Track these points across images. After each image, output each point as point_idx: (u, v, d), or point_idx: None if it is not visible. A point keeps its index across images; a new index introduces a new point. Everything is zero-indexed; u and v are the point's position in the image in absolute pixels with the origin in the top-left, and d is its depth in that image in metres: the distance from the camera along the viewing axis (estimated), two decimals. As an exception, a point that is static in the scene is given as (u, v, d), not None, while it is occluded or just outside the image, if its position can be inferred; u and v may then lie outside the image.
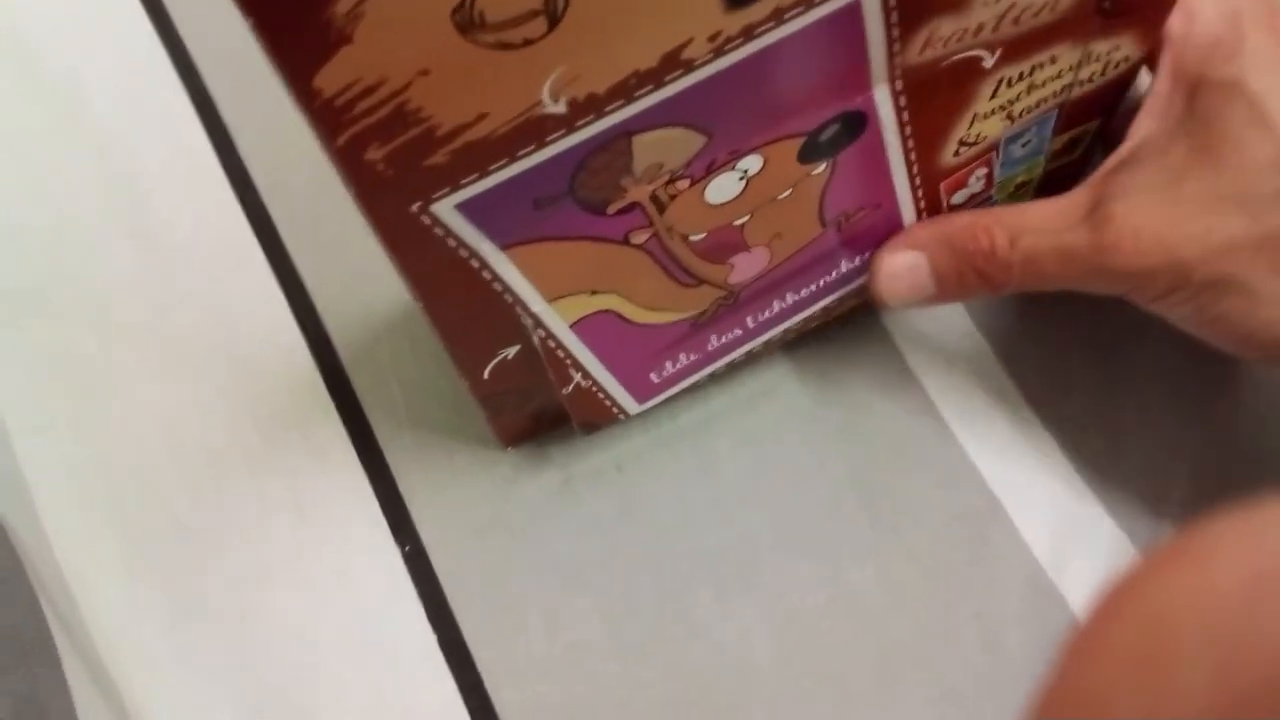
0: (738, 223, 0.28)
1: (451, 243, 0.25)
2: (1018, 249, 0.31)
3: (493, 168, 0.23)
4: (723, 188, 0.27)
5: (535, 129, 0.22)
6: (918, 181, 0.31)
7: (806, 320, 0.35)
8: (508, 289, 0.27)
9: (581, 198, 0.25)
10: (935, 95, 0.28)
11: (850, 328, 0.38)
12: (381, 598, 0.35)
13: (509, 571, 0.36)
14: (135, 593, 0.35)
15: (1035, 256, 0.30)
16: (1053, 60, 0.29)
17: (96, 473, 0.37)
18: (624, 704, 0.34)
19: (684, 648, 0.35)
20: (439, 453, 0.37)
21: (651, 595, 0.35)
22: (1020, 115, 0.30)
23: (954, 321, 0.38)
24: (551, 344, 0.30)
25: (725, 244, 0.29)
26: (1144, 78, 0.32)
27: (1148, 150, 0.30)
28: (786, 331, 0.35)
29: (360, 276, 0.38)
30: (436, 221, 0.24)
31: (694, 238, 0.28)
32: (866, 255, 0.33)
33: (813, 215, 0.30)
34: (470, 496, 0.37)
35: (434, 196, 0.23)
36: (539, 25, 0.20)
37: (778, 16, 0.22)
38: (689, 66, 0.22)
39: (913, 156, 0.29)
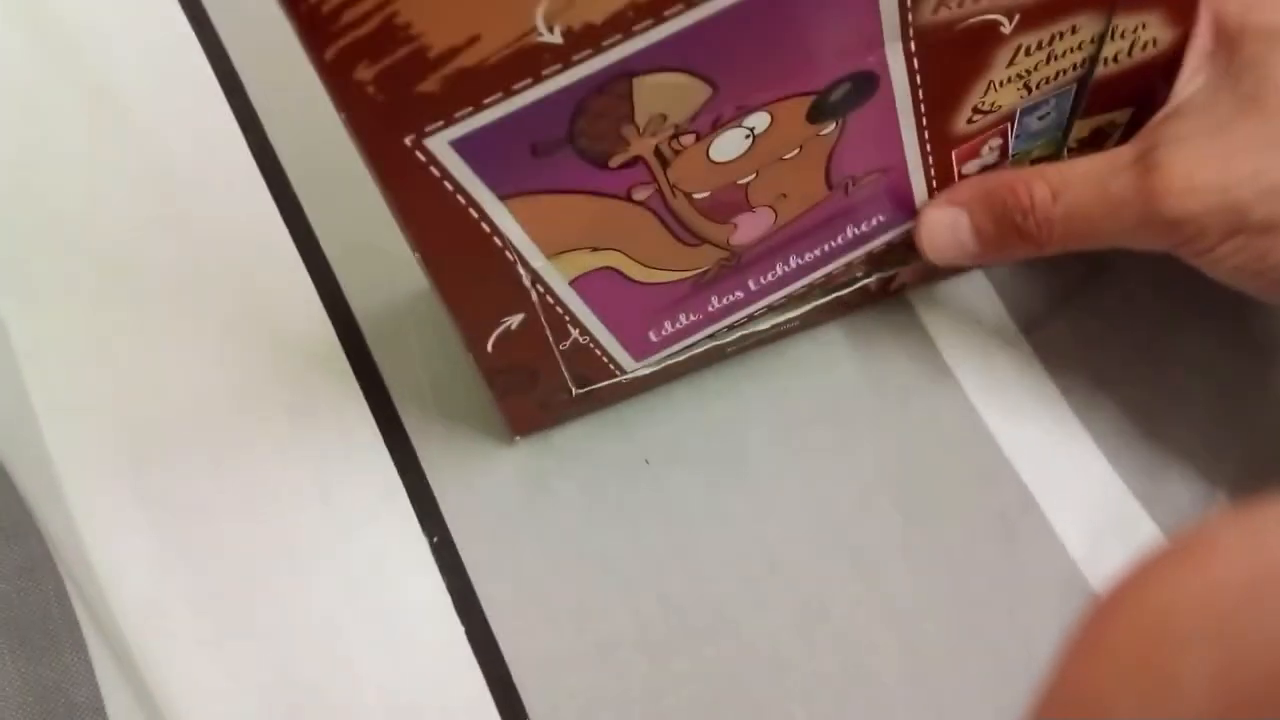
0: (742, 181, 0.28)
1: (449, 186, 0.24)
2: (1061, 203, 0.30)
3: (487, 101, 0.23)
4: (728, 145, 0.27)
5: (530, 60, 0.22)
6: (929, 148, 0.30)
7: (810, 286, 0.34)
8: (508, 244, 0.27)
9: (582, 147, 0.25)
10: (950, 59, 0.27)
11: (885, 321, 0.37)
12: (408, 588, 0.35)
13: (537, 564, 0.35)
14: (161, 579, 0.35)
15: (1080, 209, 0.30)
16: (1073, 30, 0.28)
17: (125, 458, 0.37)
18: (653, 698, 0.33)
19: (714, 643, 0.34)
20: (467, 443, 0.37)
21: (681, 589, 0.35)
22: (1038, 86, 0.30)
23: (991, 314, 0.38)
24: (550, 300, 0.29)
25: (729, 203, 0.28)
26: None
27: (1193, 103, 0.29)
28: (790, 296, 0.34)
29: (388, 265, 0.38)
30: (432, 160, 0.24)
31: (698, 196, 0.28)
32: (873, 221, 0.32)
33: (819, 177, 0.29)
34: (499, 488, 0.36)
35: (428, 129, 0.23)
36: (530, -59, 0.20)
37: (783, -51, 0.22)
38: (689, 1, 0.22)
39: (924, 121, 0.29)
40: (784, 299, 0.34)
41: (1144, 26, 0.29)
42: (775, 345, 0.37)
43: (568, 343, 0.31)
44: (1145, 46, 0.30)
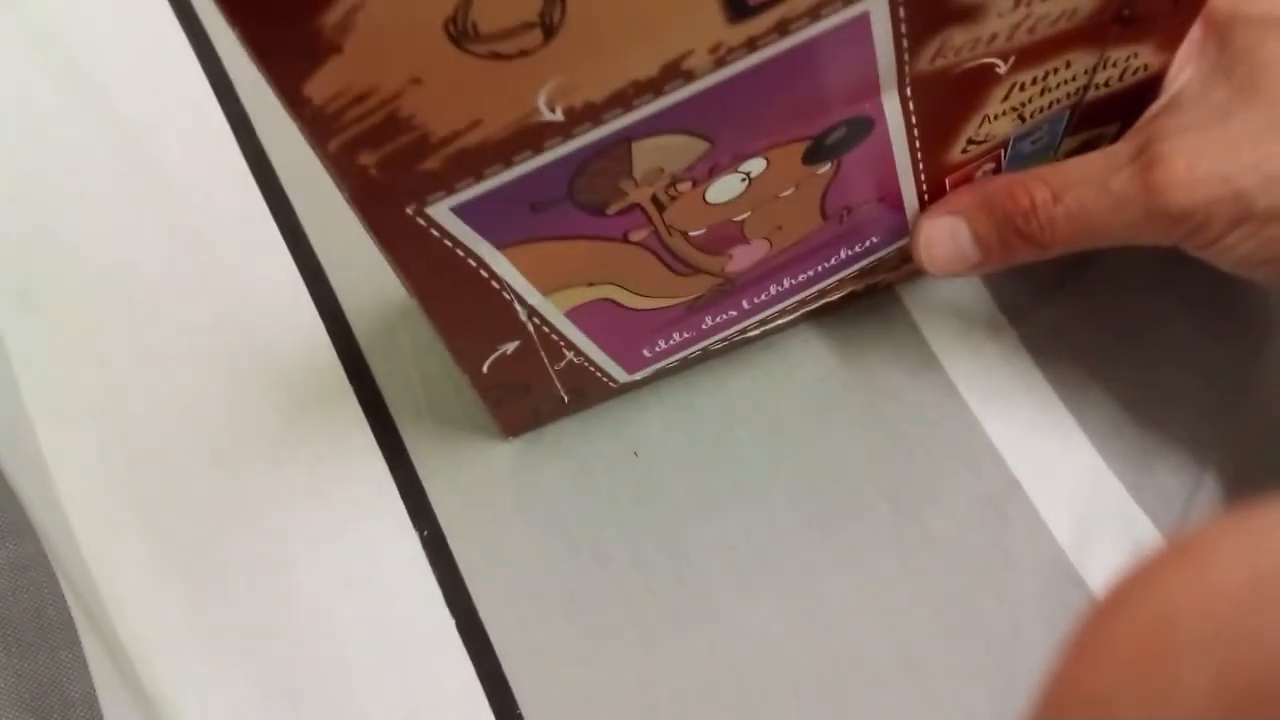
0: (738, 219, 0.28)
1: (448, 243, 0.25)
2: (1062, 204, 0.29)
3: (488, 172, 0.23)
4: (725, 189, 0.27)
5: (532, 136, 0.22)
6: (923, 178, 0.30)
7: (802, 302, 0.34)
8: (505, 286, 0.27)
9: (581, 201, 0.25)
10: (946, 100, 0.27)
11: (871, 311, 0.38)
12: (400, 582, 0.36)
13: (527, 556, 0.36)
14: (156, 577, 0.35)
15: (1082, 208, 0.29)
16: (1067, 65, 0.28)
17: (119, 458, 0.37)
18: (644, 689, 0.34)
19: (705, 633, 0.35)
20: (457, 438, 0.37)
21: (671, 581, 0.35)
22: (1032, 116, 0.30)
23: (978, 304, 0.38)
24: (546, 330, 0.29)
25: (724, 237, 0.29)
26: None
27: (1187, 95, 0.29)
28: (782, 311, 0.34)
29: (380, 265, 0.38)
30: (432, 223, 0.24)
31: (693, 233, 0.28)
32: (866, 242, 0.32)
33: (814, 210, 0.29)
34: (488, 482, 0.37)
35: (429, 199, 0.23)
36: (534, 36, 0.20)
37: (782, 28, 0.22)
38: (690, 77, 0.22)
39: (919, 156, 0.29)
40: (776, 314, 0.34)
41: (1135, 55, 0.29)
42: (763, 340, 0.37)
43: (562, 363, 0.32)
44: (1136, 71, 0.30)
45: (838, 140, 0.27)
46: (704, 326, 0.33)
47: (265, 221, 0.40)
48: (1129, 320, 0.37)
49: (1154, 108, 0.30)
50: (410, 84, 0.20)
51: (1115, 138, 0.33)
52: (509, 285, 0.27)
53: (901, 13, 0.23)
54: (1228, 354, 0.37)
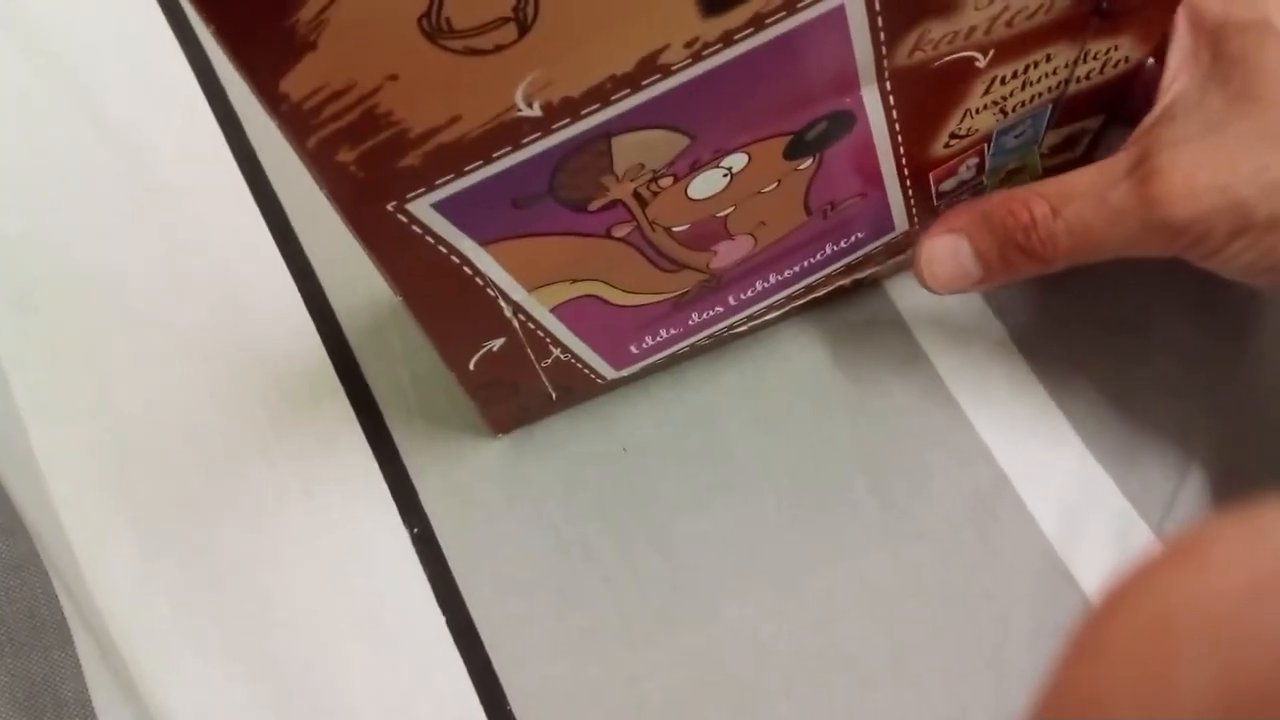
0: (721, 214, 0.28)
1: (430, 240, 0.25)
2: (1062, 218, 0.29)
3: (468, 168, 0.23)
4: (706, 184, 0.27)
5: (510, 131, 0.22)
6: (906, 173, 0.30)
7: (789, 298, 0.34)
8: (489, 282, 0.27)
9: (562, 197, 0.25)
10: (926, 94, 0.27)
11: (859, 306, 0.38)
12: (390, 579, 0.36)
13: (517, 554, 0.36)
14: (148, 577, 0.36)
15: (1082, 222, 0.29)
16: (1048, 58, 0.28)
17: (110, 458, 0.37)
18: (635, 685, 0.34)
19: (695, 629, 0.35)
20: (447, 436, 0.37)
21: (661, 576, 0.35)
22: (1014, 110, 0.30)
23: (966, 299, 0.38)
24: (531, 326, 0.30)
25: (708, 233, 0.29)
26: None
27: (1182, 105, 0.29)
28: (770, 307, 0.34)
29: (369, 264, 0.38)
30: (414, 220, 0.24)
31: (677, 229, 0.28)
32: (851, 238, 0.32)
33: (798, 205, 0.29)
34: (478, 479, 0.37)
35: (409, 196, 0.23)
36: (509, 32, 0.20)
37: (757, 22, 0.22)
38: (666, 71, 0.22)
39: (902, 151, 0.29)
40: (764, 309, 0.34)
41: (1116, 48, 0.29)
42: (752, 334, 0.38)
43: (549, 360, 0.32)
44: (1117, 64, 0.30)
45: (819, 135, 0.27)
46: (691, 323, 0.33)
47: (256, 221, 0.40)
48: (1116, 315, 0.38)
49: (1149, 118, 0.29)
50: (387, 80, 0.20)
51: (1099, 130, 0.33)
52: (493, 282, 0.27)
53: (878, 6, 0.23)
54: (1214, 349, 0.37)
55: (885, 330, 0.38)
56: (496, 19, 0.19)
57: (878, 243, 0.33)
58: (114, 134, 0.41)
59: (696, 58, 0.22)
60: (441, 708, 0.34)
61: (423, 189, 0.23)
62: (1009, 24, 0.26)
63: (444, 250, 0.25)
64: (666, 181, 0.26)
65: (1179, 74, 0.29)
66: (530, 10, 0.19)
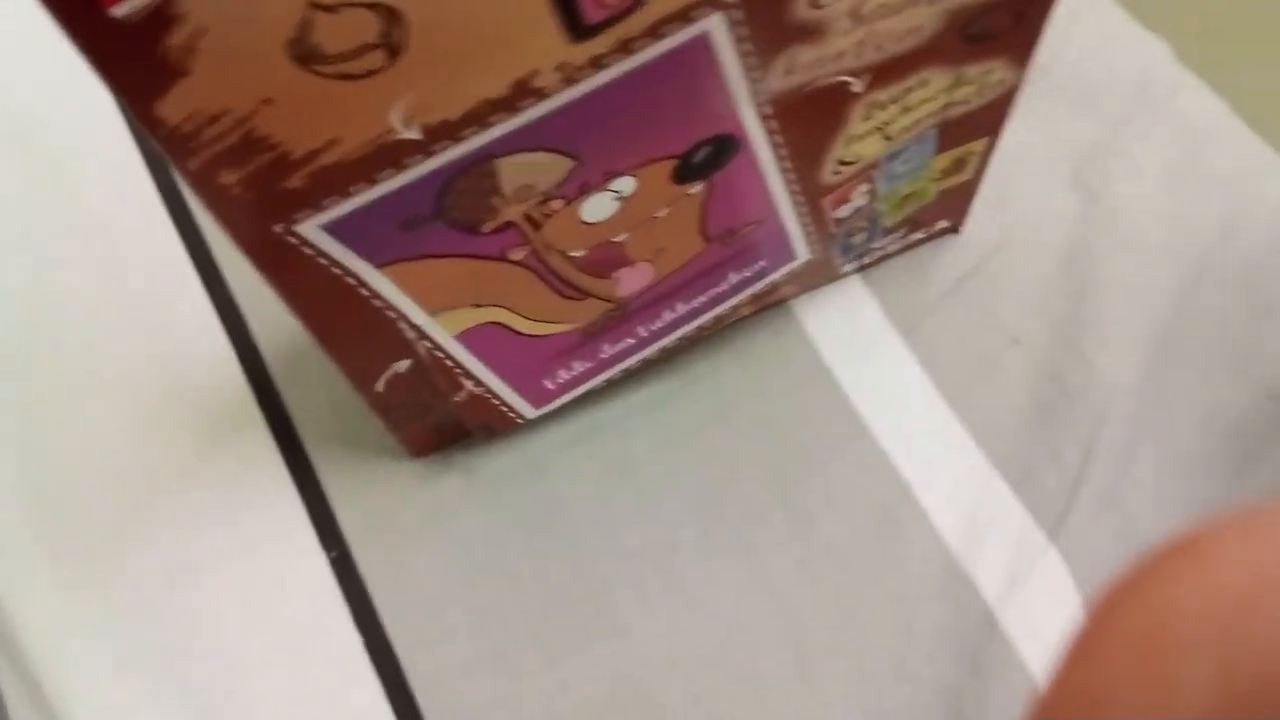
0: (617, 239, 0.29)
1: (323, 261, 0.25)
2: None
3: (353, 190, 0.24)
4: (598, 207, 0.28)
5: (390, 153, 0.23)
6: (800, 199, 0.31)
7: (699, 329, 0.35)
8: (388, 305, 0.28)
9: (453, 219, 0.26)
10: (808, 119, 0.28)
11: (766, 324, 0.39)
12: (309, 602, 0.36)
13: (433, 574, 0.36)
14: (68, 606, 0.36)
15: None
16: (924, 84, 0.29)
17: (29, 489, 0.37)
18: (549, 702, 0.35)
19: (608, 645, 0.35)
20: (365, 461, 0.38)
21: (574, 594, 0.36)
22: (897, 135, 0.31)
23: (868, 317, 0.39)
24: (439, 354, 0.30)
25: (607, 259, 0.30)
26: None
27: None
28: (681, 339, 0.35)
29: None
30: (304, 241, 0.25)
31: (574, 254, 0.29)
32: (756, 267, 0.33)
33: (694, 232, 0.30)
34: (395, 503, 0.37)
35: (296, 217, 0.24)
36: (379, 57, 0.21)
37: (624, 48, 0.23)
38: (540, 95, 0.23)
39: (792, 176, 0.30)
40: (675, 341, 0.35)
41: (991, 71, 0.30)
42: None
43: (462, 394, 0.32)
44: (994, 86, 0.31)
45: (705, 159, 0.28)
46: (603, 355, 0.34)
47: (179, 255, 0.41)
48: (1011, 326, 0.39)
49: None
50: (262, 104, 0.21)
51: (986, 152, 0.34)
52: (391, 304, 0.28)
53: (743, 32, 0.24)
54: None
55: (791, 347, 0.39)
56: (365, 45, 0.20)
57: (782, 271, 0.34)
58: (44, 166, 0.41)
59: (569, 81, 0.23)
60: (358, 728, 0.34)
61: (309, 210, 0.24)
62: (879, 49, 0.27)
63: (338, 272, 0.26)
64: (557, 204, 0.27)
65: None
66: (399, 36, 0.20)
